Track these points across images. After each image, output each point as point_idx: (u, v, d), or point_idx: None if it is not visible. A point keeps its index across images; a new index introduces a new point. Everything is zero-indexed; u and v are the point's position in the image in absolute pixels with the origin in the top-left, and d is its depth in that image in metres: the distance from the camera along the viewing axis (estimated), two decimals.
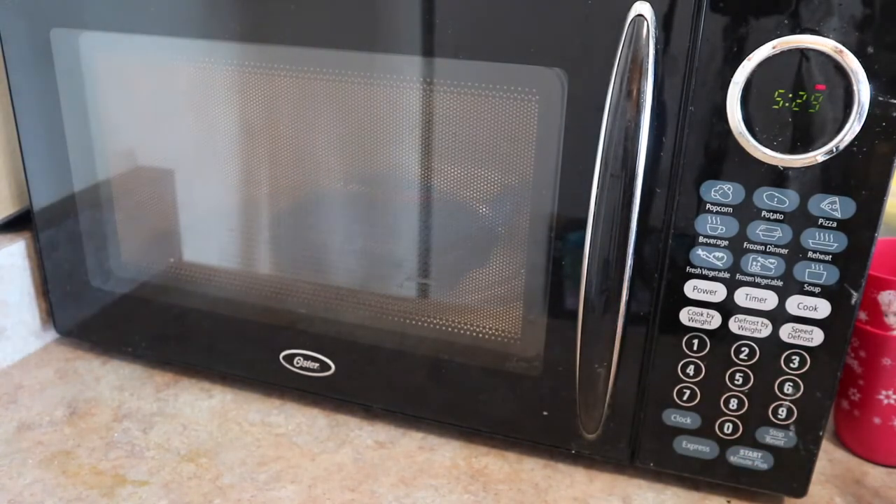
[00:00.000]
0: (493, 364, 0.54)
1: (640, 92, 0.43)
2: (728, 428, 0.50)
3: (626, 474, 0.55)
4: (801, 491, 0.50)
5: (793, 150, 0.42)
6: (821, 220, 0.43)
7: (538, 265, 0.50)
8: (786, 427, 0.49)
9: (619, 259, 0.46)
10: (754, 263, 0.45)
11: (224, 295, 0.60)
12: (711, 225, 0.45)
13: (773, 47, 0.41)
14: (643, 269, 0.47)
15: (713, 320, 0.47)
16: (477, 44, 0.46)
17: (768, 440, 0.49)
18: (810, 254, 0.44)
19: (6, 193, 0.65)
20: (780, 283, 0.45)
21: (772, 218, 0.44)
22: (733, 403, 0.49)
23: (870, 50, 0.40)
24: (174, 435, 0.58)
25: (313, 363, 0.59)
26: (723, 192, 0.44)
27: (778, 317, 0.46)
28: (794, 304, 0.46)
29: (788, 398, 0.48)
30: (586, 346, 0.49)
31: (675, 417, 0.50)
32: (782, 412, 0.48)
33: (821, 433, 0.48)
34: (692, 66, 0.43)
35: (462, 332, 0.54)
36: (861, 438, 0.56)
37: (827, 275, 0.44)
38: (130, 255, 0.63)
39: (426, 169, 0.52)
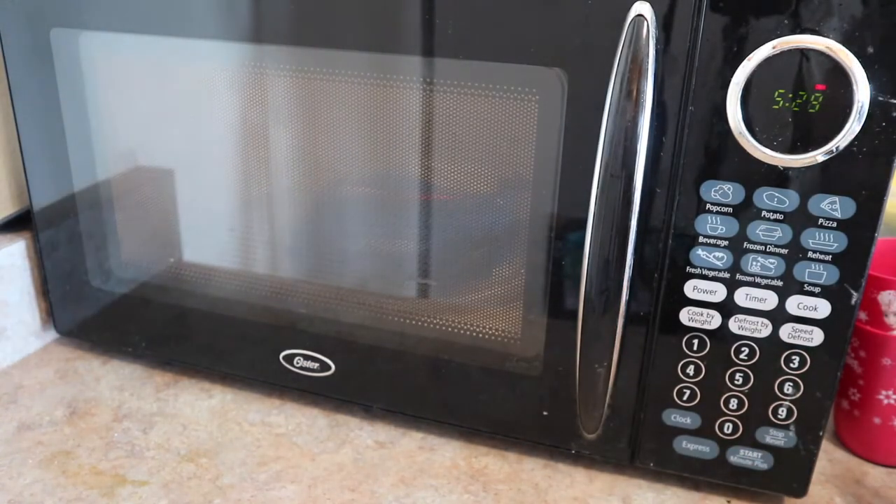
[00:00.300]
0: (493, 364, 0.54)
1: (640, 92, 0.43)
2: (728, 428, 0.50)
3: (626, 474, 0.55)
4: (801, 491, 0.50)
5: (793, 150, 0.42)
6: (821, 220, 0.43)
7: (538, 265, 0.50)
8: (786, 427, 0.49)
9: (619, 259, 0.46)
10: (754, 263, 0.45)
11: (224, 295, 0.60)
12: (711, 225, 0.45)
13: (773, 47, 0.41)
14: (643, 269, 0.47)
15: (713, 320, 0.47)
16: (477, 44, 0.46)
17: (768, 440, 0.49)
18: (810, 254, 0.44)
19: (6, 193, 0.65)
20: (780, 283, 0.45)
21: (772, 218, 0.44)
22: (733, 403, 0.49)
23: (870, 50, 0.40)
24: (174, 435, 0.58)
25: (313, 363, 0.59)
26: (723, 192, 0.44)
27: (778, 317, 0.46)
28: (794, 304, 0.46)
29: (788, 398, 0.48)
30: (586, 346, 0.49)
31: (675, 417, 0.50)
32: (782, 412, 0.48)
33: (821, 433, 0.48)
34: (692, 66, 0.43)
35: (462, 332, 0.54)
36: (861, 438, 0.56)
37: (827, 275, 0.44)
38: (130, 255, 0.63)
39: (426, 169, 0.52)
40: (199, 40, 0.53)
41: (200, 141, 0.57)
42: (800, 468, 0.49)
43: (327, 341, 0.58)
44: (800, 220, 0.44)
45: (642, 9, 0.42)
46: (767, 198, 0.44)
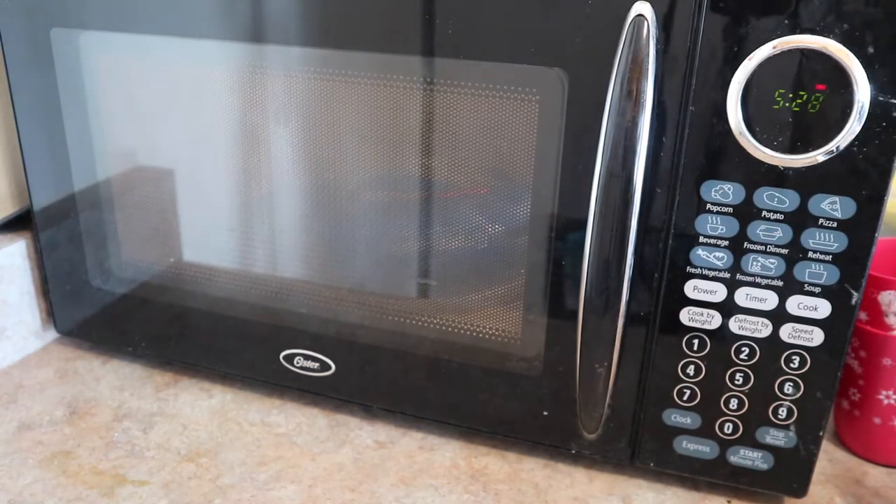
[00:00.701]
0: (493, 364, 0.54)
1: (640, 92, 0.43)
2: (728, 428, 0.50)
3: (626, 474, 0.55)
4: (802, 491, 0.50)
5: (793, 150, 0.42)
6: (821, 220, 0.43)
7: (538, 265, 0.50)
8: (786, 427, 0.49)
9: (619, 259, 0.46)
10: (754, 263, 0.45)
11: (224, 295, 0.60)
12: (711, 225, 0.45)
13: (773, 47, 0.41)
14: (643, 269, 0.47)
15: (713, 320, 0.47)
16: (477, 44, 0.46)
17: (768, 440, 0.49)
18: (810, 254, 0.44)
19: (6, 193, 0.65)
20: (780, 283, 0.45)
21: (772, 218, 0.44)
22: (733, 403, 0.49)
23: (870, 50, 0.40)
24: (174, 435, 0.58)
25: (313, 363, 0.59)
26: (723, 192, 0.44)
27: (778, 317, 0.46)
28: (795, 304, 0.46)
29: (788, 398, 0.48)
30: (586, 346, 0.49)
31: (675, 417, 0.50)
32: (782, 412, 0.48)
33: (821, 433, 0.48)
34: (692, 66, 0.43)
35: (462, 332, 0.54)
36: (861, 438, 0.56)
37: (827, 275, 0.44)
38: (130, 255, 0.63)
39: (426, 169, 0.52)
40: (199, 40, 0.53)
41: (200, 141, 0.57)
42: (800, 468, 0.49)
43: (327, 341, 0.58)
44: (800, 220, 0.44)
45: (642, 9, 0.42)
46: (767, 198, 0.44)
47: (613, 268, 0.46)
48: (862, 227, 0.43)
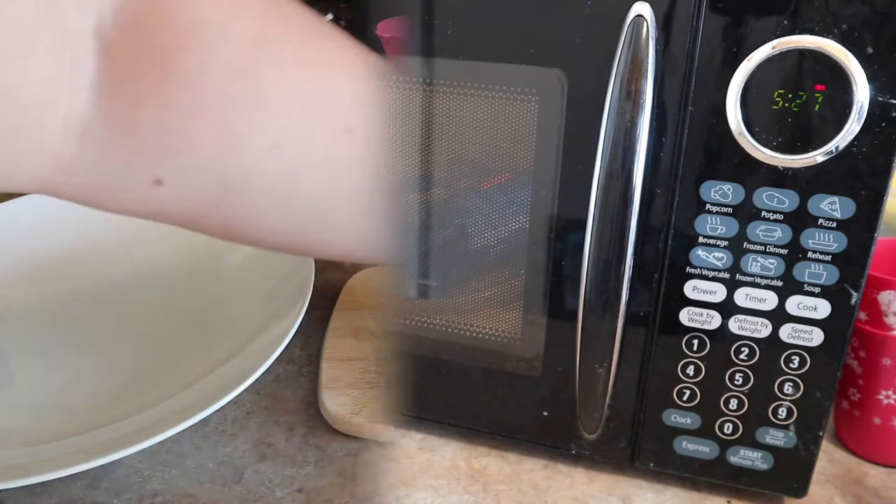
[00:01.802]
0: (493, 364, 0.54)
1: (639, 92, 0.43)
2: (728, 428, 0.50)
3: (626, 474, 0.55)
4: (802, 491, 0.50)
5: (793, 150, 0.42)
6: (821, 221, 0.43)
7: (538, 265, 0.50)
8: (786, 427, 0.48)
9: (619, 259, 0.46)
10: (754, 264, 0.45)
11: None
12: (711, 225, 0.45)
13: (773, 47, 0.41)
14: (643, 270, 0.47)
15: (713, 320, 0.47)
16: (477, 44, 0.46)
17: (768, 440, 0.49)
18: (810, 254, 0.44)
19: None
20: (779, 284, 0.45)
21: (772, 218, 0.44)
22: (733, 404, 0.49)
23: (870, 50, 0.40)
24: None
25: None
26: (722, 192, 0.44)
27: (778, 317, 0.46)
28: (794, 305, 0.46)
29: (788, 398, 0.48)
30: (586, 346, 0.49)
31: (675, 418, 0.50)
32: (782, 412, 0.48)
33: (821, 433, 0.48)
34: (692, 67, 0.43)
35: (462, 332, 0.54)
36: (861, 438, 0.56)
37: (827, 275, 0.44)
38: None
39: (425, 169, 0.52)
40: None
41: None
42: (800, 468, 0.49)
43: None
44: (800, 220, 0.44)
45: (642, 9, 0.42)
46: (767, 198, 0.44)
47: (613, 268, 0.46)
48: (861, 227, 0.43)
